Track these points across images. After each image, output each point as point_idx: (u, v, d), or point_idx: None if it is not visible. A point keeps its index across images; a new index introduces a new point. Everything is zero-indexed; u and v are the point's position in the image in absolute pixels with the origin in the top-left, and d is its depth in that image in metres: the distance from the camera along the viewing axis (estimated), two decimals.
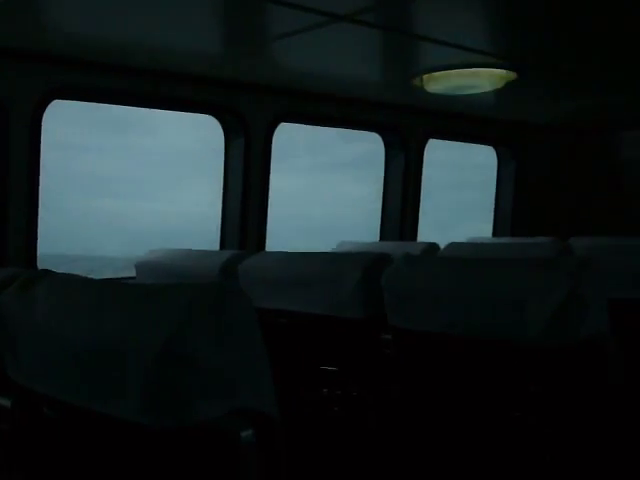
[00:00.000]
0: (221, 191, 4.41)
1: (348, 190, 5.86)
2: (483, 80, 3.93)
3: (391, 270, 2.36)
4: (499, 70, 3.87)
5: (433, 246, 4.14)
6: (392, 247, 4.32)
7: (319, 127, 4.83)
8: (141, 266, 3.63)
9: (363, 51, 3.61)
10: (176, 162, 4.82)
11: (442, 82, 3.95)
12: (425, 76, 3.94)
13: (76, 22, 3.02)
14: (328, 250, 4.52)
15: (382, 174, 5.30)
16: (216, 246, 4.41)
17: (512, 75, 3.98)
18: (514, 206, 6.33)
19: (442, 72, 3.84)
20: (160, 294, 1.24)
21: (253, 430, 1.17)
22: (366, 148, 5.84)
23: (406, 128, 5.16)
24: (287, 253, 2.97)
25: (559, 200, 6.72)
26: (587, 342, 1.99)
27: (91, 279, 1.49)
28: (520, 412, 2.09)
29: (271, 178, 4.41)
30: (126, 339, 1.19)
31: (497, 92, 4.45)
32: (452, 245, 4.10)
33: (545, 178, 6.61)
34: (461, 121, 5.57)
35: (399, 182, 5.24)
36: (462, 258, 2.46)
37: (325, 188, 5.73)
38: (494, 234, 6.39)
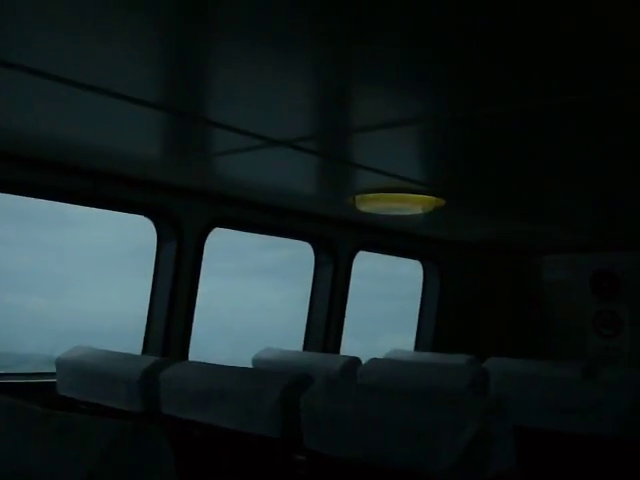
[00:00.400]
0: (147, 291, 4.43)
1: (269, 295, 5.92)
2: (412, 204, 4.09)
3: (310, 392, 2.41)
4: (427, 196, 4.03)
5: (354, 361, 4.21)
6: (314, 359, 4.39)
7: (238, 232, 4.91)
8: (62, 363, 3.61)
9: (299, 171, 3.74)
10: (101, 259, 4.82)
11: (373, 204, 4.09)
12: (357, 197, 4.08)
13: (11, 117, 3.03)
14: (251, 354, 4.57)
15: (300, 280, 5.40)
16: (138, 347, 4.40)
17: (440, 201, 4.15)
18: (437, 320, 6.45)
19: (373, 194, 3.99)
20: (82, 427, 1.27)
21: None
22: (287, 254, 6.01)
23: (337, 240, 5.28)
24: (209, 365, 3.01)
25: (480, 318, 6.88)
26: (496, 477, 2.07)
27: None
28: None
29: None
30: (46, 470, 1.21)
31: (426, 214, 4.62)
32: (373, 361, 4.17)
33: (467, 296, 6.78)
34: (390, 236, 5.72)
35: (327, 292, 5.33)
36: (381, 386, 2.53)
37: (247, 292, 5.79)
38: (416, 347, 6.48)
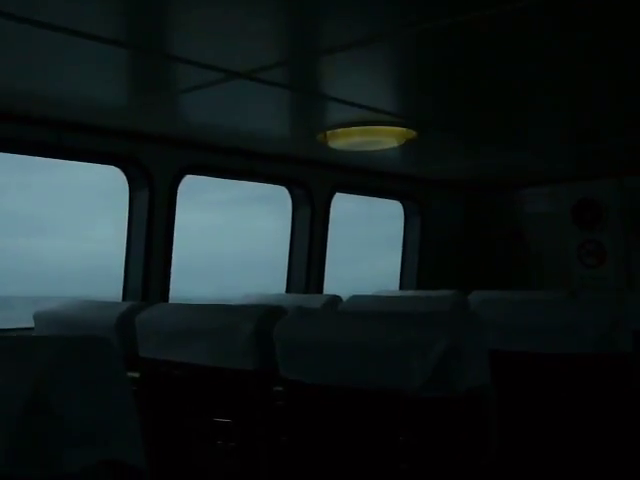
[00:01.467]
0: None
1: (261, 224, 5.86)
2: (384, 137, 4.05)
3: (283, 322, 2.40)
4: (399, 128, 3.99)
5: (335, 298, 4.20)
6: (295, 300, 4.37)
7: None
8: (39, 317, 3.59)
9: (266, 107, 3.68)
10: (86, 199, 4.77)
11: (344, 139, 4.05)
12: (328, 132, 4.04)
13: None
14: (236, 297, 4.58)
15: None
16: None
17: (412, 133, 4.11)
18: (420, 259, 6.45)
19: (344, 129, 3.94)
20: (29, 345, 1.24)
21: None
22: None
23: (312, 182, 5.24)
24: (184, 305, 2.99)
25: (463, 254, 6.89)
26: (469, 393, 2.06)
27: None
28: (405, 463, 2.13)
29: (184, 217, 4.44)
30: None
31: (400, 149, 4.58)
32: (354, 298, 4.16)
33: (449, 233, 6.78)
34: (367, 176, 5.68)
35: (306, 235, 5.31)
36: (353, 312, 2.51)
37: (238, 223, 5.74)
38: (401, 287, 6.50)
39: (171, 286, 4.48)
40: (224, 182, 5.02)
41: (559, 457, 3.05)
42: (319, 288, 5.40)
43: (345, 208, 6.03)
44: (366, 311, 2.94)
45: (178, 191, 4.41)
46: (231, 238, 5.60)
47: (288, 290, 5.35)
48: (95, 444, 1.20)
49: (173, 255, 4.43)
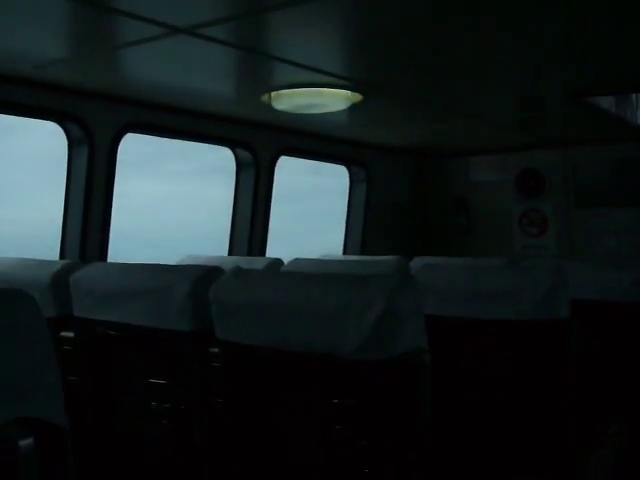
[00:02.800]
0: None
1: (216, 195, 5.80)
2: (328, 100, 4.01)
3: (219, 283, 2.37)
4: (344, 91, 3.95)
5: (277, 262, 4.18)
6: (235, 262, 4.33)
7: None
8: None
9: (209, 65, 3.61)
10: (35, 166, 4.64)
11: (288, 100, 4.00)
12: (272, 93, 3.98)
13: None
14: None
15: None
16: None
17: (357, 96, 4.08)
18: (365, 225, 6.46)
19: (288, 90, 3.89)
20: None
21: (34, 439, 1.15)
22: None
23: (257, 144, 5.18)
24: (120, 264, 2.94)
25: (408, 220, 6.92)
26: (404, 356, 2.06)
27: None
28: (341, 424, 2.13)
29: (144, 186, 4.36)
30: None
31: (347, 113, 4.55)
32: (295, 261, 4.13)
33: (395, 199, 6.80)
34: (313, 140, 5.64)
35: (249, 198, 5.26)
36: (291, 273, 2.49)
37: (198, 193, 5.67)
38: (344, 252, 6.50)
39: (120, 253, 4.41)
40: (187, 153, 4.99)
41: (493, 422, 3.09)
42: (262, 251, 5.37)
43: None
44: (311, 273, 2.92)
45: (140, 160, 4.35)
46: (190, 208, 5.55)
47: (230, 253, 5.31)
48: (12, 400, 1.17)
49: (113, 216, 4.36)
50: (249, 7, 2.81)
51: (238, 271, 2.40)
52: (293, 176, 5.99)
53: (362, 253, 6.36)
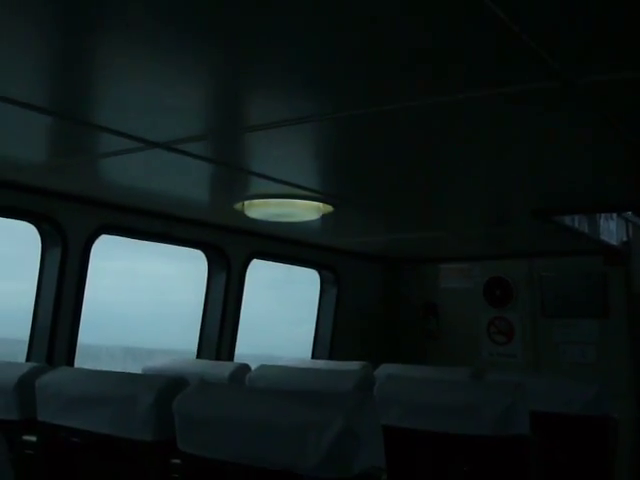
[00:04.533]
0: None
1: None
2: (300, 210, 4.10)
3: (183, 395, 2.40)
4: (315, 202, 4.06)
5: (243, 367, 4.20)
6: (204, 367, 4.36)
7: None
8: None
9: (185, 176, 3.70)
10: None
11: (261, 209, 4.10)
12: (245, 202, 4.08)
13: None
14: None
15: None
16: None
17: (328, 208, 4.19)
18: (334, 329, 6.49)
19: (261, 200, 3.99)
20: None
21: None
22: None
23: (229, 248, 5.26)
24: (86, 370, 2.97)
25: (377, 327, 6.96)
26: (362, 475, 2.09)
27: None
28: None
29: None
30: None
31: (318, 220, 4.65)
32: (262, 368, 4.16)
33: (365, 304, 6.85)
34: (285, 244, 5.72)
35: (220, 301, 5.30)
36: (254, 388, 2.53)
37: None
38: (313, 355, 6.51)
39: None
40: None
41: None
42: (230, 355, 5.38)
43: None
44: (269, 386, 2.97)
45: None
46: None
47: (199, 355, 5.32)
48: None
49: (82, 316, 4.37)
50: (224, 128, 2.94)
51: (202, 383, 2.44)
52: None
53: (330, 357, 6.37)
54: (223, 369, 4.18)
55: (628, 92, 2.41)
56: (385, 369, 4.62)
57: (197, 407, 2.35)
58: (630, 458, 5.66)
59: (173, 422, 2.40)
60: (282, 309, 6.85)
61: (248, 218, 4.44)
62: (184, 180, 3.80)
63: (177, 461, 2.43)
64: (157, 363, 4.46)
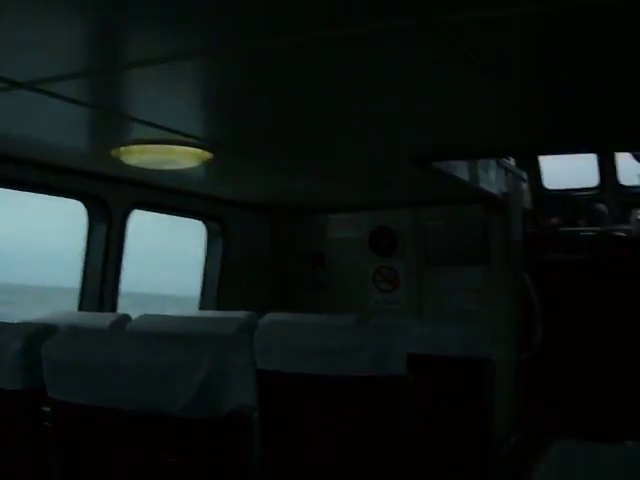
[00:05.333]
0: None
1: None
2: (178, 157, 4.03)
3: (50, 342, 2.34)
4: (194, 149, 3.99)
5: (124, 317, 4.14)
6: (84, 318, 4.28)
7: None
8: None
9: (55, 120, 3.55)
10: None
11: (139, 156, 4.00)
12: (122, 148, 3.97)
13: None
14: None
15: None
16: None
17: (207, 154, 4.12)
18: (221, 280, 6.46)
19: (137, 146, 3.89)
20: None
21: None
22: None
23: (109, 198, 5.11)
24: None
25: (264, 278, 6.97)
26: (232, 415, 2.09)
27: None
28: None
29: None
30: None
31: (201, 169, 4.58)
32: (143, 317, 4.11)
33: (252, 254, 6.84)
34: (168, 194, 5.62)
35: (101, 252, 5.18)
36: (125, 332, 2.49)
37: None
38: (200, 307, 6.47)
39: None
40: None
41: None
42: (113, 306, 5.28)
43: None
44: (145, 332, 2.92)
45: None
46: None
47: (80, 308, 5.20)
48: None
49: None
50: (95, 65, 2.82)
51: (71, 330, 2.39)
52: None
53: (218, 308, 6.35)
54: (104, 319, 4.11)
55: (488, 32, 2.41)
56: (270, 317, 4.62)
57: (65, 353, 2.30)
58: (510, 400, 5.87)
59: (42, 370, 2.34)
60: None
61: (127, 167, 4.33)
62: (54, 124, 3.64)
63: (47, 409, 2.38)
64: (35, 316, 4.35)
